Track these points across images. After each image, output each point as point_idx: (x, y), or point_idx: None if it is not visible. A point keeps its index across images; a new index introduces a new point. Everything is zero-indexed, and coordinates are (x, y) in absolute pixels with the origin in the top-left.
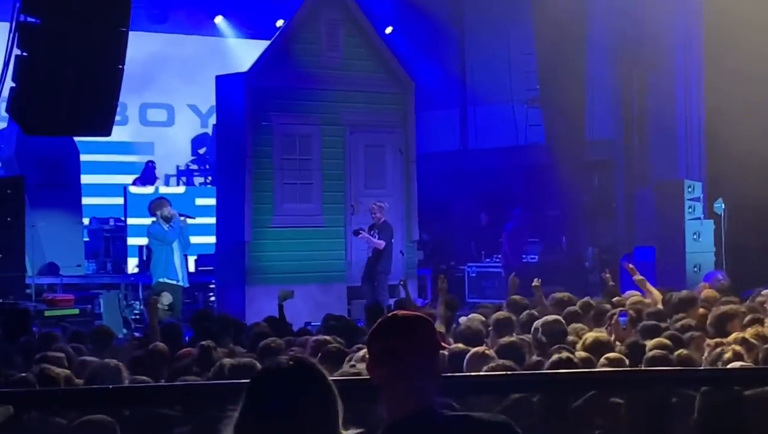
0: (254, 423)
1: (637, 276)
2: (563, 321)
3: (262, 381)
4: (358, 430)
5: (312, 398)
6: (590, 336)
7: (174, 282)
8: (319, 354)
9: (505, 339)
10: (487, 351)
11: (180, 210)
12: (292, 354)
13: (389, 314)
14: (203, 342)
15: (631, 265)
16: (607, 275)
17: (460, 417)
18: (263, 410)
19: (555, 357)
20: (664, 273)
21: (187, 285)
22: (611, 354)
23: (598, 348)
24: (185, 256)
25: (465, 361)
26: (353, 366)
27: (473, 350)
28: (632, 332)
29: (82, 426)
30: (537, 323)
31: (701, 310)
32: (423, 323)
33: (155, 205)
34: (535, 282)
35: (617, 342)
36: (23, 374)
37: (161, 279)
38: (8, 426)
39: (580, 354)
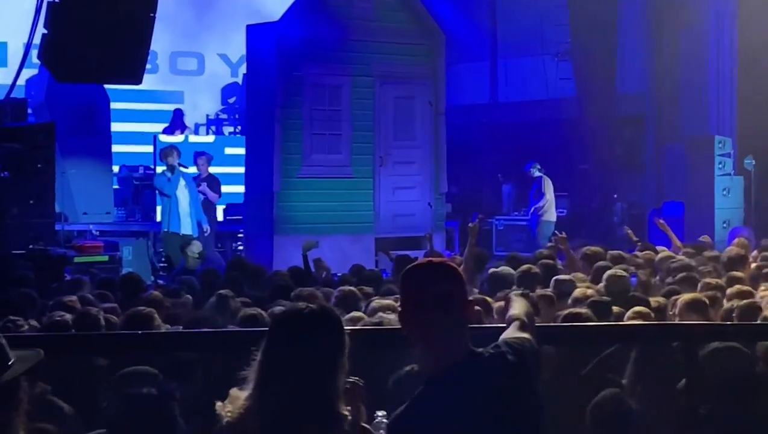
0: (274, 362)
1: (660, 223)
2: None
3: (282, 323)
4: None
5: (325, 338)
6: (579, 291)
7: (178, 233)
8: (333, 299)
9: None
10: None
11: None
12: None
13: (421, 261)
14: (220, 291)
15: (661, 220)
16: (629, 231)
17: (497, 353)
18: (282, 350)
19: (566, 311)
20: (692, 229)
21: (196, 235)
22: (639, 307)
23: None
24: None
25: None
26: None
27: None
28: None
29: (125, 377)
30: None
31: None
32: (455, 269)
33: (165, 152)
34: (560, 235)
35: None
36: (58, 318)
37: (165, 230)
38: (45, 369)
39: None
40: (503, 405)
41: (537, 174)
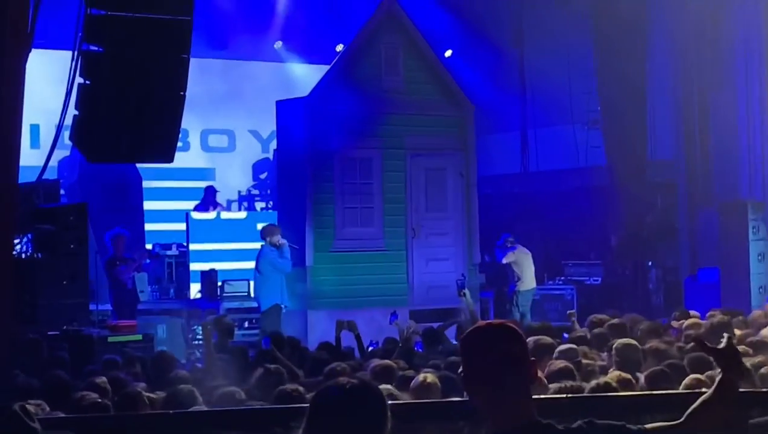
0: None
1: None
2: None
3: (324, 399)
4: None
5: (368, 414)
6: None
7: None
8: (369, 372)
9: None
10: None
11: (242, 235)
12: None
13: (482, 323)
14: (268, 366)
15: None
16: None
17: (581, 429)
18: (325, 425)
19: (593, 382)
20: (728, 295)
21: None
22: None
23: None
24: None
25: None
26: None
27: None
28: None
29: None
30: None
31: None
32: (517, 330)
33: (268, 230)
34: (570, 311)
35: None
36: (99, 400)
37: (280, 304)
38: None
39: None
40: None
41: (509, 246)
